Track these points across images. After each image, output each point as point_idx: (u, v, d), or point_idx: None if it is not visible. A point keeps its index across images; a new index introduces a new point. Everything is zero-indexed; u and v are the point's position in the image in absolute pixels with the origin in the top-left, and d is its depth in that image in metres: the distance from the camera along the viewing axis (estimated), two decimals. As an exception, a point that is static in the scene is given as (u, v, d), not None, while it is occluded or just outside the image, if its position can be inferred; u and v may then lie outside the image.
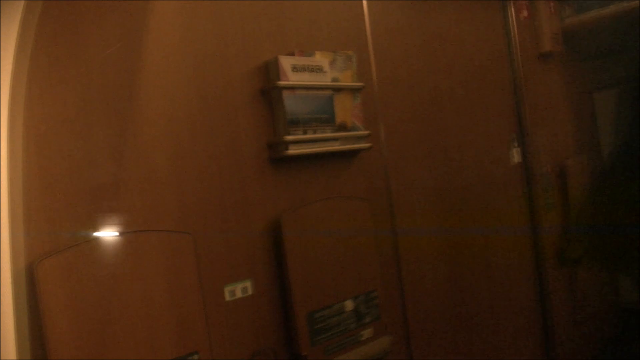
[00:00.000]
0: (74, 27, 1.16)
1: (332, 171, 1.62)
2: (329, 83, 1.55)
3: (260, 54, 1.47)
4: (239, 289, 1.37)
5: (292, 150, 1.44)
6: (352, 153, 1.66)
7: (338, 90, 1.58)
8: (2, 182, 1.02)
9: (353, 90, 1.62)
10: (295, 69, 1.47)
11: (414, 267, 1.82)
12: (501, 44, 2.31)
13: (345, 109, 1.59)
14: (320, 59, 1.54)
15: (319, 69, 1.53)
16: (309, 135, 1.49)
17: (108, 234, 1.15)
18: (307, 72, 1.50)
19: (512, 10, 2.33)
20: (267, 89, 1.47)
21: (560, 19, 2.51)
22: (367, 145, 1.65)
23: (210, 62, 1.37)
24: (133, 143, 1.22)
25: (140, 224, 1.21)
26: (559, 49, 2.48)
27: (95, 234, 1.14)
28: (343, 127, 1.58)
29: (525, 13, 2.39)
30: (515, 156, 2.31)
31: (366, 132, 1.64)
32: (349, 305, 1.55)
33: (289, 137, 1.44)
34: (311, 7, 1.63)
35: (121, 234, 1.17)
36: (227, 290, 1.34)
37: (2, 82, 1.04)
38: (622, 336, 2.73)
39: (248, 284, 1.38)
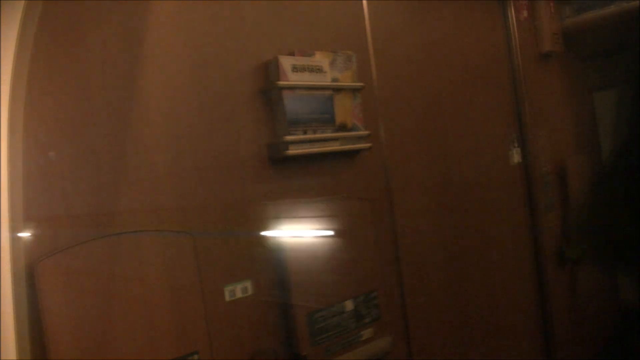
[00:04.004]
0: (74, 27, 1.16)
1: (332, 171, 1.62)
2: (329, 83, 1.55)
3: (260, 54, 1.47)
4: (239, 289, 1.37)
5: (292, 151, 1.44)
6: (352, 153, 1.66)
7: (338, 90, 1.58)
8: (2, 182, 1.02)
9: (353, 90, 1.62)
10: (295, 69, 1.47)
11: (414, 267, 1.82)
12: (501, 44, 2.31)
13: (345, 109, 1.59)
14: (320, 59, 1.54)
15: (319, 69, 1.53)
16: (309, 136, 1.49)
17: (108, 234, 1.15)
18: (307, 72, 1.50)
19: (512, 10, 2.33)
20: (267, 89, 1.47)
21: (560, 19, 2.51)
22: (367, 145, 1.65)
23: (210, 62, 1.37)
24: (133, 143, 1.22)
25: (140, 224, 1.21)
26: (559, 49, 2.48)
27: (95, 234, 1.14)
28: (343, 127, 1.58)
29: (525, 13, 2.39)
30: (515, 156, 2.30)
31: (366, 132, 1.64)
32: (349, 305, 1.55)
33: (289, 138, 1.44)
34: (311, 7, 1.63)
35: (121, 234, 1.17)
36: (227, 290, 1.34)
37: (2, 82, 1.04)
38: (622, 336, 2.72)
39: (248, 284, 1.38)
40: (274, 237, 1.44)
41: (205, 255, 1.30)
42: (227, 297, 1.34)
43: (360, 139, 1.63)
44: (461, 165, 2.06)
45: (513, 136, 2.31)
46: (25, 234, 1.05)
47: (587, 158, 2.69)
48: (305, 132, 1.48)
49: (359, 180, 1.69)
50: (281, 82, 1.43)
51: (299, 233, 1.47)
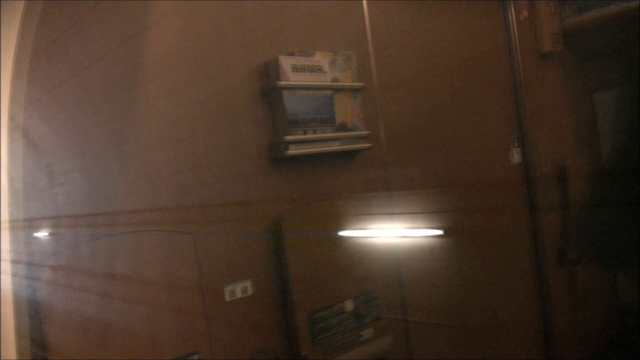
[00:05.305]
0: (74, 27, 1.16)
1: (332, 171, 1.62)
2: (329, 83, 1.55)
3: (260, 54, 1.47)
4: (239, 289, 1.37)
5: (292, 151, 1.44)
6: (352, 153, 1.66)
7: (338, 90, 1.58)
8: (2, 182, 1.02)
9: (353, 90, 1.62)
10: (295, 69, 1.47)
11: (414, 267, 1.82)
12: (501, 44, 2.31)
13: (345, 109, 1.59)
14: (320, 59, 1.54)
15: (319, 69, 1.53)
16: (309, 135, 1.49)
17: (108, 234, 1.15)
18: (307, 72, 1.50)
19: (512, 10, 2.33)
20: (267, 89, 1.47)
21: (560, 19, 2.51)
22: (367, 145, 1.65)
23: (210, 62, 1.38)
24: (133, 143, 1.22)
25: (140, 224, 1.21)
26: (559, 49, 2.48)
27: (96, 234, 1.14)
28: (343, 127, 1.58)
29: (525, 13, 2.39)
30: (515, 156, 2.31)
31: (366, 132, 1.64)
32: (349, 305, 1.55)
33: (289, 137, 1.44)
34: (311, 7, 1.63)
35: (121, 233, 1.17)
36: (227, 290, 1.34)
37: (2, 82, 1.04)
38: (622, 336, 2.72)
39: (248, 284, 1.38)
40: (274, 237, 1.44)
41: (205, 255, 1.30)
42: (227, 297, 1.34)
43: (360, 139, 1.63)
44: (461, 165, 2.06)
45: (513, 136, 2.31)
46: (26, 234, 1.05)
47: (587, 158, 2.69)
48: (305, 132, 1.48)
49: (359, 180, 1.69)
50: (281, 82, 1.43)
51: (299, 233, 1.47)
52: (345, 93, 1.60)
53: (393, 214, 1.78)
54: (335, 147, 1.55)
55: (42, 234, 1.08)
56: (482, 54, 2.21)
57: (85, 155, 1.15)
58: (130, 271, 1.16)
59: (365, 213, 1.66)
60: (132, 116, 1.23)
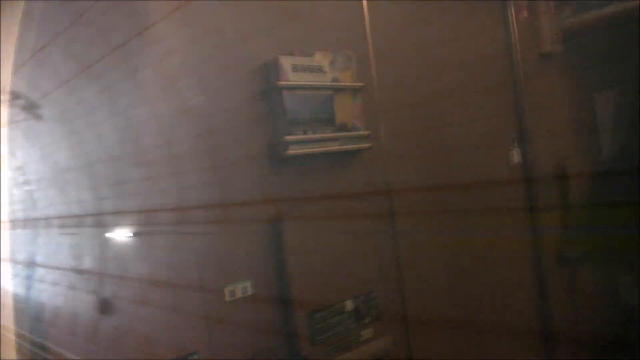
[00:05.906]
0: (75, 28, 1.16)
1: (332, 171, 1.62)
2: (329, 83, 1.55)
3: (260, 54, 1.47)
4: (239, 289, 1.37)
5: (293, 150, 1.44)
6: (352, 153, 1.66)
7: (338, 90, 1.58)
8: (2, 183, 1.02)
9: (353, 90, 1.62)
10: (295, 69, 1.47)
11: (414, 267, 1.82)
12: (501, 44, 2.31)
13: (345, 109, 1.59)
14: (320, 59, 1.54)
15: (319, 69, 1.53)
16: (309, 135, 1.49)
17: (109, 234, 1.15)
18: (307, 72, 1.50)
19: (512, 10, 2.33)
20: (267, 89, 1.46)
21: (560, 19, 2.51)
22: (367, 145, 1.65)
23: (210, 63, 1.37)
24: (133, 143, 1.22)
25: (140, 223, 1.21)
26: (559, 49, 2.48)
27: (96, 234, 1.14)
28: (343, 127, 1.58)
29: (525, 13, 2.39)
30: (515, 156, 2.30)
31: (366, 132, 1.64)
32: (349, 305, 1.54)
33: (290, 137, 1.44)
34: (311, 7, 1.63)
35: (121, 233, 1.17)
36: (227, 290, 1.34)
37: (2, 83, 1.04)
38: (622, 336, 2.72)
39: (248, 284, 1.38)
40: (274, 237, 1.44)
41: (205, 255, 1.30)
42: (227, 297, 1.34)
43: (360, 139, 1.63)
44: (461, 165, 2.06)
45: (513, 136, 2.31)
46: (25, 234, 1.05)
47: (587, 158, 2.68)
48: (305, 132, 1.48)
49: (359, 180, 1.69)
50: (281, 82, 1.43)
51: (299, 233, 1.46)
52: (345, 93, 1.60)
53: (392, 213, 1.78)
54: (335, 147, 1.55)
55: (40, 234, 1.08)
56: (482, 54, 2.21)
57: (85, 156, 1.15)
58: (130, 271, 1.16)
59: (365, 212, 1.65)
60: (132, 117, 1.23)
